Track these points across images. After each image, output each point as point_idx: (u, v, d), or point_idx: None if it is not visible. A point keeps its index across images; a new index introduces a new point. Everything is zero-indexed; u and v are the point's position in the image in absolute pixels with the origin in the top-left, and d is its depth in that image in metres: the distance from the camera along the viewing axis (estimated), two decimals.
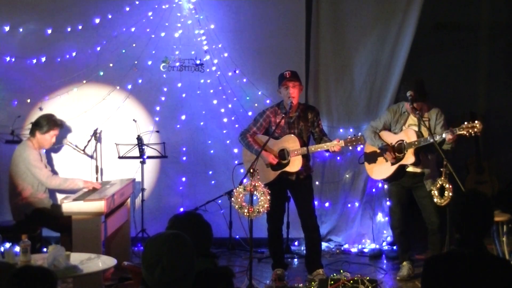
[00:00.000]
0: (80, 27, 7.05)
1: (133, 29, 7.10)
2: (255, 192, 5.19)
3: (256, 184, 5.18)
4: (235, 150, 7.10)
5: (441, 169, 5.25)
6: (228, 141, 7.22)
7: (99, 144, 7.11)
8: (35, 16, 7.05)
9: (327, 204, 7.31)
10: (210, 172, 7.27)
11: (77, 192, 6.13)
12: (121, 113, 7.18)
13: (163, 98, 7.21)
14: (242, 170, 6.63)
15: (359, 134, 6.01)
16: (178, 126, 7.25)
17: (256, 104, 7.03)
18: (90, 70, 7.09)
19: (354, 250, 7.13)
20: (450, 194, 5.18)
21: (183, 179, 7.28)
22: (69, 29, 7.04)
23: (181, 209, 7.11)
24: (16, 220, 6.23)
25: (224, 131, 7.24)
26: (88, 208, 5.61)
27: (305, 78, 7.05)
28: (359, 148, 6.61)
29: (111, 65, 7.09)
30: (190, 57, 7.21)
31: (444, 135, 5.62)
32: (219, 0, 7.20)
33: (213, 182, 7.25)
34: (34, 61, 7.02)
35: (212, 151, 7.26)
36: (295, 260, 6.83)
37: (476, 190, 3.46)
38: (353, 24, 7.17)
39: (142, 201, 7.01)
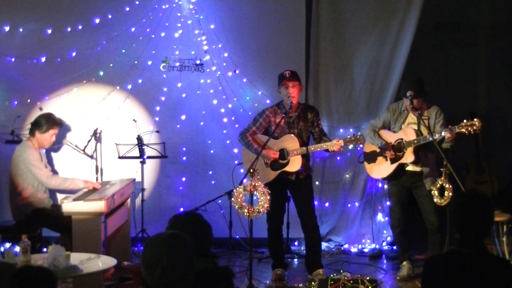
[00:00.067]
0: (80, 27, 7.05)
1: (133, 29, 7.10)
2: (255, 192, 5.19)
3: (256, 184, 5.18)
4: (235, 150, 7.10)
5: (441, 169, 5.26)
6: (228, 141, 7.22)
7: (99, 144, 7.11)
8: (35, 16, 7.05)
9: (327, 204, 7.31)
10: (210, 172, 7.27)
11: (77, 192, 6.13)
12: (121, 113, 7.18)
13: (163, 98, 7.22)
14: (242, 170, 6.63)
15: (359, 133, 6.01)
16: (178, 126, 7.25)
17: (256, 104, 7.03)
18: (90, 70, 7.09)
19: (354, 250, 7.13)
20: (450, 194, 5.18)
21: (183, 179, 7.28)
22: (69, 29, 7.04)
23: (181, 209, 7.11)
24: (16, 220, 6.23)
25: (224, 131, 7.24)
26: (88, 208, 5.61)
27: (305, 78, 7.05)
28: (359, 148, 6.60)
29: (111, 65, 7.10)
30: (190, 57, 7.21)
31: (443, 134, 5.62)
32: (219, 0, 7.20)
33: (213, 182, 7.25)
34: (34, 61, 7.02)
35: (212, 151, 7.27)
36: (295, 260, 6.83)
37: (476, 190, 3.46)
38: (353, 24, 7.17)
39: (142, 201, 7.01)
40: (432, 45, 8.45)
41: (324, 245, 7.05)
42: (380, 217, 7.21)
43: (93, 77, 7.10)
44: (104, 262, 5.04)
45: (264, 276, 6.20)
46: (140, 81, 7.17)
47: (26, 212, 6.16)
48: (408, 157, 5.91)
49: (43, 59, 7.03)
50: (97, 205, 5.60)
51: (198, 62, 7.20)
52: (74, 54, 7.06)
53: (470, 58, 8.50)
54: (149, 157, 7.02)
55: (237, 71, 7.17)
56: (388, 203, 6.67)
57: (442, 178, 5.24)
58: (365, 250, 7.09)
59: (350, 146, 5.89)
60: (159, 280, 2.52)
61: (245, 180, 5.46)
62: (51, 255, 4.63)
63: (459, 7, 8.38)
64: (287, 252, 6.82)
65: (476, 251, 3.17)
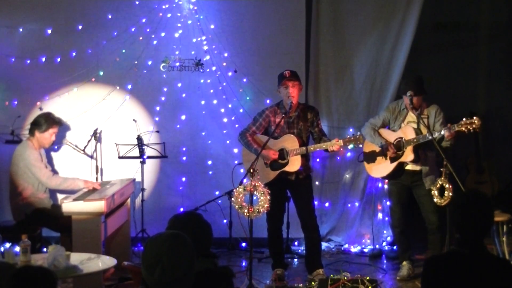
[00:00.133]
0: (80, 27, 7.05)
1: (133, 29, 7.10)
2: (255, 192, 5.19)
3: (256, 184, 5.18)
4: (235, 150, 7.10)
5: (441, 169, 5.26)
6: (228, 141, 7.22)
7: (99, 144, 7.11)
8: (35, 16, 7.05)
9: (327, 204, 7.31)
10: (210, 172, 7.28)
11: (77, 192, 6.13)
12: (121, 113, 7.18)
13: (163, 98, 7.22)
14: (242, 170, 6.63)
15: (358, 133, 6.01)
16: (178, 126, 7.26)
17: (256, 104, 7.02)
18: (90, 70, 7.09)
19: (354, 250, 7.13)
20: (450, 194, 5.18)
21: (183, 179, 7.28)
22: (69, 29, 7.04)
23: (181, 209, 7.11)
24: (16, 220, 6.23)
25: (224, 131, 7.24)
26: (88, 208, 5.61)
27: (305, 78, 7.05)
28: (360, 146, 6.59)
29: (111, 65, 7.10)
30: (190, 57, 7.21)
31: (443, 132, 5.62)
32: (219, 0, 7.20)
33: (213, 182, 7.25)
34: (34, 61, 7.02)
35: (212, 151, 7.27)
36: (295, 260, 6.83)
37: (476, 190, 3.47)
38: (353, 24, 7.17)
39: (142, 201, 7.01)
40: (432, 45, 8.45)
41: (324, 245, 7.05)
42: (380, 217, 7.21)
43: (93, 77, 7.10)
44: (104, 262, 5.04)
45: (264, 276, 6.20)
46: (140, 81, 7.17)
47: (26, 212, 6.16)
48: (408, 156, 5.91)
49: (43, 59, 7.03)
50: (97, 205, 5.61)
51: (198, 62, 7.19)
52: (74, 54, 7.06)
53: (470, 58, 8.50)
54: (149, 157, 7.02)
55: (237, 71, 7.17)
56: (388, 203, 6.67)
57: (442, 178, 5.24)
58: (365, 250, 7.09)
59: (350, 146, 5.89)
60: (159, 280, 2.52)
61: (245, 180, 5.46)
62: (51, 255, 4.63)
63: (459, 7, 8.38)
64: (287, 252, 6.82)
65: (476, 251, 3.17)
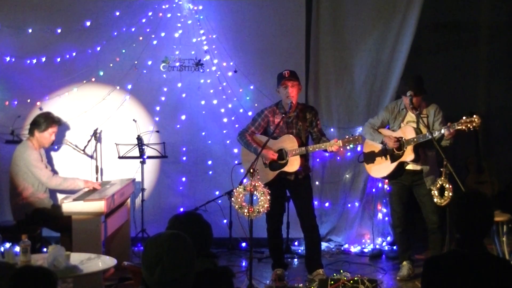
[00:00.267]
0: (80, 27, 7.05)
1: (133, 29, 7.10)
2: (255, 192, 5.19)
3: (256, 184, 5.18)
4: (235, 150, 7.10)
5: (441, 169, 5.26)
6: (228, 141, 7.22)
7: (99, 144, 7.12)
8: (35, 16, 7.05)
9: (327, 204, 7.31)
10: (210, 172, 7.28)
11: (77, 192, 6.13)
12: (121, 113, 7.19)
13: (163, 98, 7.22)
14: (242, 170, 6.63)
15: (357, 134, 6.00)
16: (178, 126, 7.26)
17: (256, 104, 7.02)
18: (90, 70, 7.10)
19: (354, 250, 7.13)
20: (450, 194, 5.18)
21: (183, 179, 7.28)
22: (69, 29, 7.04)
23: (181, 209, 7.11)
24: (16, 220, 6.23)
25: (224, 131, 7.24)
26: (88, 208, 5.61)
27: (305, 78, 7.05)
28: (359, 148, 6.60)
29: (111, 65, 7.10)
30: (190, 57, 7.21)
31: (442, 131, 5.62)
32: (219, 0, 7.20)
33: (213, 182, 7.25)
34: (34, 61, 7.02)
35: (212, 151, 7.27)
36: (295, 260, 6.83)
37: (476, 190, 3.48)
38: (353, 24, 7.17)
39: (142, 201, 7.01)
40: (432, 45, 8.44)
41: (324, 245, 7.05)
42: (380, 217, 7.21)
43: (93, 77, 7.11)
44: (104, 262, 5.04)
45: (264, 276, 6.20)
46: (140, 81, 7.17)
47: (26, 212, 6.16)
48: (408, 155, 5.91)
49: (43, 59, 7.03)
50: (97, 205, 5.61)
51: (198, 62, 7.19)
52: (74, 54, 7.06)
53: (470, 58, 8.50)
54: (149, 157, 7.02)
55: (237, 71, 7.17)
56: (388, 202, 6.67)
57: (442, 178, 5.24)
58: (365, 250, 7.09)
59: (349, 147, 5.88)
60: (159, 280, 2.52)
61: (245, 180, 5.46)
62: (51, 255, 4.63)
63: (459, 7, 8.37)
64: (287, 252, 6.82)
65: (476, 251, 3.18)
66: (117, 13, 7.07)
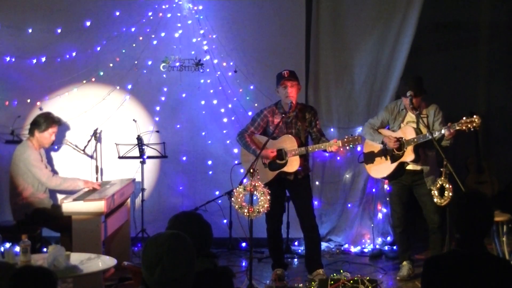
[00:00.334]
0: (80, 27, 7.05)
1: (133, 29, 7.10)
2: (255, 192, 5.19)
3: (256, 184, 5.18)
4: (235, 150, 7.10)
5: (441, 169, 5.25)
6: (228, 141, 7.22)
7: (99, 144, 7.12)
8: (35, 16, 7.05)
9: (327, 204, 7.31)
10: (210, 172, 7.28)
11: (77, 192, 6.13)
12: (121, 113, 7.19)
13: (163, 98, 7.22)
14: (242, 170, 6.63)
15: (357, 134, 6.00)
16: (178, 126, 7.26)
17: (256, 104, 7.02)
18: (90, 70, 7.10)
19: (354, 250, 7.13)
20: (450, 194, 5.18)
21: (183, 179, 7.28)
22: (69, 29, 7.04)
23: (181, 209, 7.10)
24: (16, 220, 6.23)
25: (224, 131, 7.24)
26: (88, 208, 5.61)
27: (305, 78, 7.05)
28: (358, 148, 6.60)
29: (111, 65, 7.10)
30: (190, 57, 7.21)
31: (442, 131, 5.62)
32: (219, 0, 7.20)
33: (213, 182, 7.25)
34: (34, 61, 7.02)
35: (212, 151, 7.27)
36: (295, 260, 6.83)
37: (476, 190, 3.48)
38: (353, 24, 7.17)
39: (142, 201, 7.01)
40: (432, 45, 8.44)
41: (324, 245, 7.05)
42: (380, 217, 7.21)
43: (93, 77, 7.11)
44: (104, 262, 5.04)
45: (264, 276, 6.20)
46: (140, 81, 7.17)
47: (26, 212, 6.16)
48: (408, 156, 5.91)
49: (43, 59, 7.03)
50: (97, 205, 5.61)
51: (198, 62, 7.19)
52: (74, 54, 7.06)
53: (470, 58, 8.49)
54: (149, 157, 7.02)
55: (236, 71, 7.17)
56: (388, 203, 6.67)
57: (442, 178, 5.23)
58: (365, 250, 7.09)
59: (348, 147, 5.87)
60: (159, 280, 2.52)
61: (245, 180, 5.46)
62: (51, 255, 4.63)
63: (459, 7, 8.37)
64: (287, 252, 6.82)
65: (476, 251, 3.18)
66: (117, 13, 7.07)
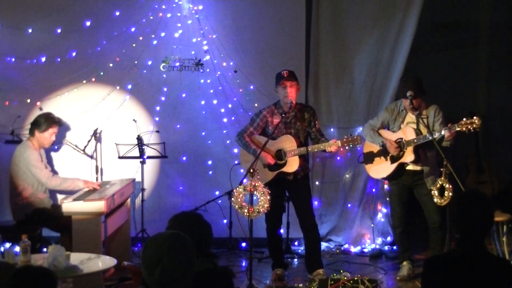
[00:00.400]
0: (80, 27, 7.05)
1: (133, 29, 7.10)
2: (255, 192, 5.18)
3: (256, 184, 5.18)
4: (235, 150, 7.09)
5: (441, 169, 5.25)
6: (228, 141, 7.22)
7: (99, 144, 7.12)
8: (35, 16, 7.05)
9: (327, 204, 7.30)
10: (210, 172, 7.28)
11: (77, 192, 6.13)
12: (121, 113, 7.19)
13: (163, 98, 7.22)
14: (242, 170, 6.63)
15: (356, 134, 6.00)
16: (178, 126, 7.26)
17: (256, 104, 7.02)
18: (90, 70, 7.10)
19: (354, 250, 7.13)
20: (450, 194, 5.18)
21: (183, 179, 7.28)
22: (69, 29, 7.04)
23: (181, 209, 7.10)
24: (16, 220, 6.23)
25: (224, 131, 7.24)
26: (88, 208, 5.61)
27: (305, 78, 7.05)
28: (358, 148, 6.60)
29: (111, 65, 7.10)
30: (190, 57, 7.21)
31: (443, 132, 5.62)
32: (219, 0, 7.20)
33: (213, 182, 7.25)
34: (34, 61, 7.02)
35: (212, 151, 7.27)
36: (295, 260, 6.83)
37: (476, 190, 3.47)
38: (353, 24, 7.17)
39: (142, 201, 7.01)
40: (432, 45, 8.45)
41: (324, 245, 7.05)
42: (380, 217, 7.21)
43: (93, 77, 7.11)
44: (104, 262, 5.04)
45: (264, 276, 6.20)
46: (140, 81, 7.18)
47: (26, 212, 6.17)
48: (408, 156, 5.91)
49: (43, 59, 7.03)
50: (97, 205, 5.61)
51: (198, 62, 7.19)
52: (74, 54, 7.06)
53: (470, 58, 8.50)
54: (149, 157, 7.02)
55: (236, 71, 7.17)
56: (388, 203, 6.67)
57: (442, 178, 5.23)
58: (365, 250, 7.09)
59: (348, 147, 5.86)
60: (159, 280, 2.52)
61: (244, 180, 5.46)
62: (51, 255, 4.63)
63: (459, 7, 8.38)
64: (287, 252, 6.83)
65: (476, 251, 3.18)
66: (117, 13, 7.07)
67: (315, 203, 6.99)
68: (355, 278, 5.23)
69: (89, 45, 7.07)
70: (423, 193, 6.00)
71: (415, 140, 5.83)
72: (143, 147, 6.91)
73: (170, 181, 7.30)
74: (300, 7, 7.18)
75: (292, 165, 5.87)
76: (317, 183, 7.21)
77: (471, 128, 5.50)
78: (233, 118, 7.20)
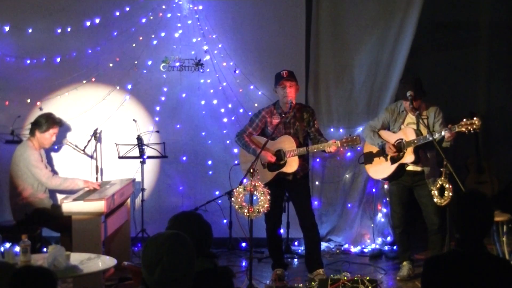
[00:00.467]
0: (80, 27, 7.05)
1: (133, 29, 7.10)
2: (255, 192, 5.18)
3: (256, 184, 5.18)
4: (235, 150, 7.09)
5: (441, 169, 5.25)
6: (228, 141, 7.22)
7: (99, 144, 7.12)
8: (35, 16, 7.05)
9: (327, 204, 7.30)
10: (210, 172, 7.28)
11: (77, 192, 6.13)
12: (121, 113, 7.19)
13: (163, 98, 7.22)
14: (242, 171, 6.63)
15: (355, 134, 6.00)
16: (178, 126, 7.26)
17: (256, 104, 7.02)
18: (90, 70, 7.10)
19: (354, 250, 7.13)
20: (450, 194, 5.18)
21: (183, 179, 7.28)
22: (69, 29, 7.04)
23: (181, 209, 7.10)
24: (16, 220, 6.23)
25: (224, 131, 7.24)
26: (88, 208, 5.61)
27: (305, 78, 7.05)
28: (358, 148, 6.60)
29: (111, 65, 7.10)
30: (190, 57, 7.21)
31: (443, 133, 5.62)
32: (219, 0, 7.20)
33: (213, 182, 7.25)
34: (34, 61, 7.02)
35: (212, 151, 7.27)
36: (295, 260, 6.83)
37: (476, 190, 3.46)
38: (353, 24, 7.17)
39: (142, 201, 7.01)
40: (432, 45, 8.44)
41: (324, 245, 7.05)
42: (380, 217, 7.21)
43: (93, 77, 7.11)
44: (104, 262, 5.04)
45: (264, 276, 6.20)
46: (140, 81, 7.18)
47: (26, 212, 6.16)
48: (408, 157, 5.91)
49: (43, 59, 7.03)
50: (97, 205, 5.61)
51: (198, 62, 7.19)
52: (74, 54, 7.06)
53: (470, 58, 8.49)
54: (149, 157, 7.02)
55: (237, 71, 7.17)
56: (388, 203, 6.67)
57: (442, 178, 5.23)
58: (365, 250, 7.09)
59: (347, 147, 5.86)
60: (159, 280, 2.52)
61: (244, 180, 5.46)
62: (51, 255, 4.63)
63: (459, 7, 8.37)
64: (287, 252, 6.83)
65: (476, 251, 3.17)
66: (117, 13, 7.07)
67: (315, 203, 6.99)
68: (355, 278, 5.23)
69: (89, 45, 7.08)
70: (423, 194, 5.99)
71: (415, 141, 5.83)
72: (143, 147, 6.91)
73: (170, 181, 7.30)
74: (300, 7, 7.18)
75: (291, 165, 5.87)
76: (317, 183, 7.21)
77: (471, 129, 5.50)
78: (233, 118, 7.20)
